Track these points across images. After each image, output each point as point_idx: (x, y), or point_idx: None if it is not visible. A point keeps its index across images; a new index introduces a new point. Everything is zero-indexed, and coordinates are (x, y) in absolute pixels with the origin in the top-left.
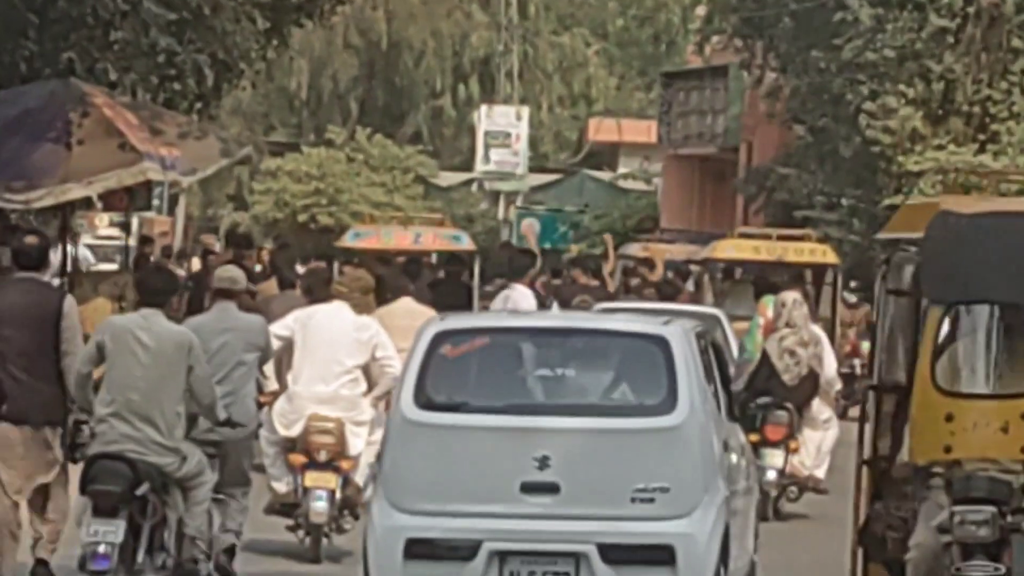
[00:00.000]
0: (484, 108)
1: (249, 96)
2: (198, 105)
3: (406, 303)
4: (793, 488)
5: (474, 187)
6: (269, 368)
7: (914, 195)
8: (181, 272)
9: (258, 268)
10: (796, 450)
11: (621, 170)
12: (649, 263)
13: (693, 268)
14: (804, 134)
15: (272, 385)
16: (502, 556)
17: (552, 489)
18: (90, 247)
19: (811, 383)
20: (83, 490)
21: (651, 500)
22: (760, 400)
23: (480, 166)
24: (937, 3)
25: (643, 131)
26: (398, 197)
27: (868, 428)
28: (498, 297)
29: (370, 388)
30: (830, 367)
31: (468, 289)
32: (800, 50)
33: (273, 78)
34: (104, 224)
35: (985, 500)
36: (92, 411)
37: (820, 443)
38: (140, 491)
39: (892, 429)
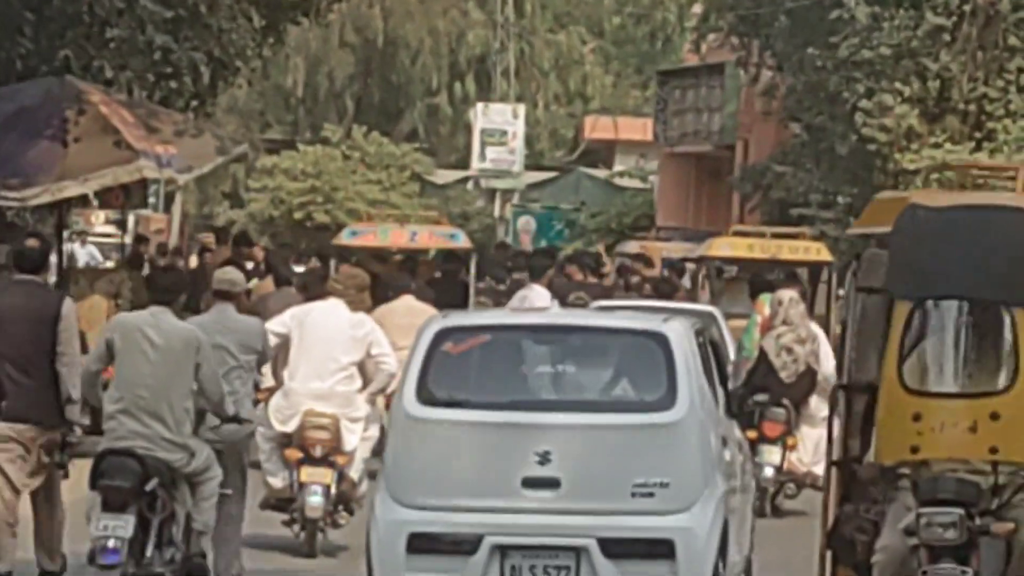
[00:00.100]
0: (480, 106)
1: (245, 94)
2: (194, 103)
3: (407, 301)
4: (791, 484)
5: (470, 185)
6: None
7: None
8: None
9: (249, 265)
10: (794, 447)
11: (617, 168)
12: (644, 259)
13: (688, 266)
14: (800, 132)
15: (268, 381)
16: (504, 550)
17: (553, 484)
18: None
19: (808, 380)
20: (93, 485)
21: (651, 495)
22: (758, 397)
23: (476, 164)
24: (933, 1)
25: (639, 129)
26: (394, 195)
27: (837, 428)
28: (515, 297)
29: (365, 385)
30: (827, 364)
31: (465, 287)
32: (796, 48)
33: (269, 76)
34: (100, 222)
35: (953, 502)
36: (101, 408)
37: (818, 440)
38: (149, 486)
39: (863, 430)
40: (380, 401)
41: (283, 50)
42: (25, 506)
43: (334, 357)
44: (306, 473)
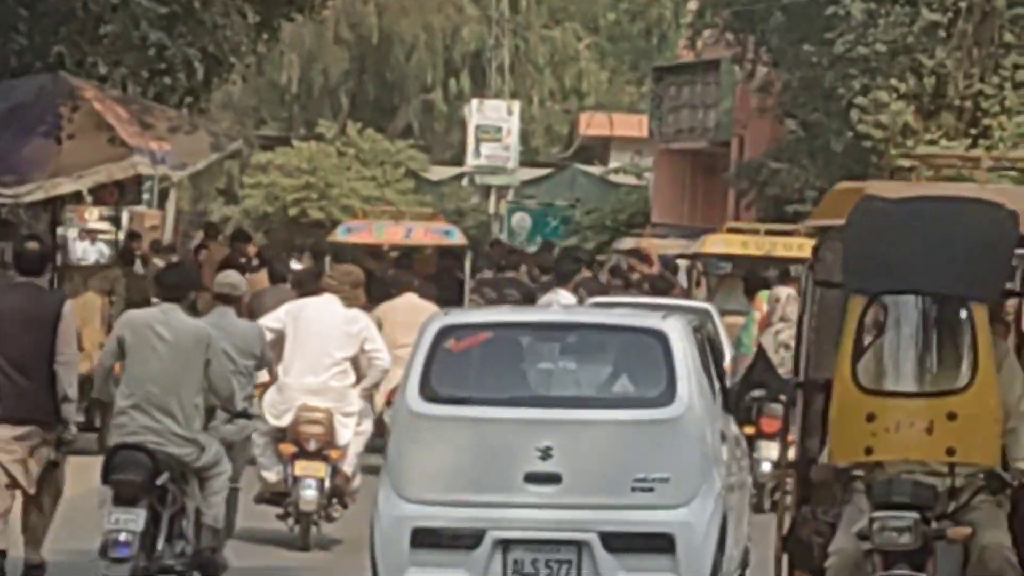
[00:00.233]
0: (475, 102)
1: (239, 90)
2: (188, 99)
3: (410, 298)
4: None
5: (465, 181)
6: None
7: None
8: None
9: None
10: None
11: (612, 164)
12: (639, 255)
13: (681, 263)
14: (796, 128)
15: (263, 377)
16: (506, 544)
17: (555, 479)
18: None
19: None
20: (105, 480)
21: (651, 489)
22: (755, 393)
23: (471, 160)
24: None
25: (634, 125)
26: (389, 191)
27: (795, 428)
28: (540, 301)
29: (358, 380)
30: None
31: (461, 283)
32: (792, 44)
33: (263, 72)
34: (94, 218)
35: (907, 505)
36: (113, 404)
37: None
38: (160, 481)
39: (822, 430)
40: (381, 398)
41: (277, 46)
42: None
43: (328, 352)
44: (300, 467)
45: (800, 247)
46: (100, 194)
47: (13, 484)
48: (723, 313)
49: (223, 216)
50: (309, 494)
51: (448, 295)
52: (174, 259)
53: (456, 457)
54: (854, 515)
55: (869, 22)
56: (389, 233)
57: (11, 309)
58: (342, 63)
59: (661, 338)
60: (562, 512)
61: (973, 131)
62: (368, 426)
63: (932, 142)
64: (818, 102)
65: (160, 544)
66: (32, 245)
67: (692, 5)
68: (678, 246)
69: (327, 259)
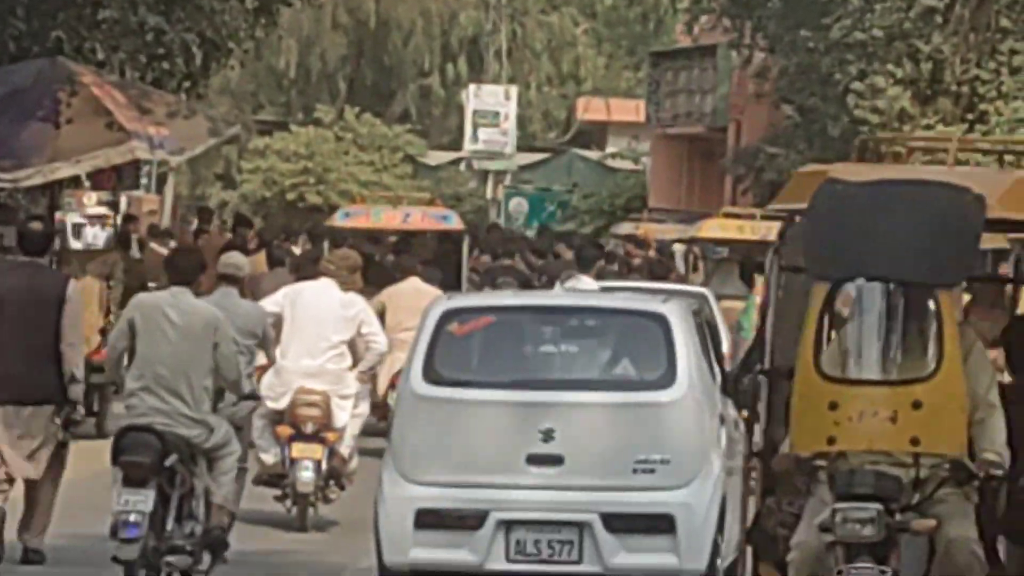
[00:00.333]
0: (472, 87)
1: (237, 75)
2: (186, 84)
3: (414, 283)
4: None
5: (462, 166)
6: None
7: None
8: (164, 251)
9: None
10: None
11: (609, 149)
12: (636, 240)
13: (678, 247)
14: (792, 114)
15: (260, 359)
16: (508, 525)
17: (557, 461)
18: (75, 226)
19: None
20: (114, 461)
21: (652, 471)
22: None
23: (468, 145)
24: None
25: (631, 110)
26: (386, 176)
27: (760, 417)
28: (563, 286)
29: (355, 363)
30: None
31: (459, 268)
32: (789, 30)
33: (261, 57)
34: (92, 203)
35: (870, 496)
36: (123, 386)
37: None
38: (168, 462)
39: (787, 418)
40: (384, 381)
41: (275, 31)
42: (17, 486)
43: (325, 336)
44: (297, 449)
45: None
46: (98, 179)
47: (17, 464)
48: (719, 297)
49: (221, 201)
50: (306, 476)
51: (446, 280)
52: (172, 244)
53: (459, 439)
54: (817, 507)
55: (866, 7)
56: (387, 218)
57: (15, 288)
58: (340, 48)
59: (662, 321)
60: (564, 493)
61: (970, 116)
62: (364, 408)
63: (929, 127)
64: (815, 87)
65: (170, 524)
66: (35, 225)
67: None
68: (675, 231)
69: (325, 243)
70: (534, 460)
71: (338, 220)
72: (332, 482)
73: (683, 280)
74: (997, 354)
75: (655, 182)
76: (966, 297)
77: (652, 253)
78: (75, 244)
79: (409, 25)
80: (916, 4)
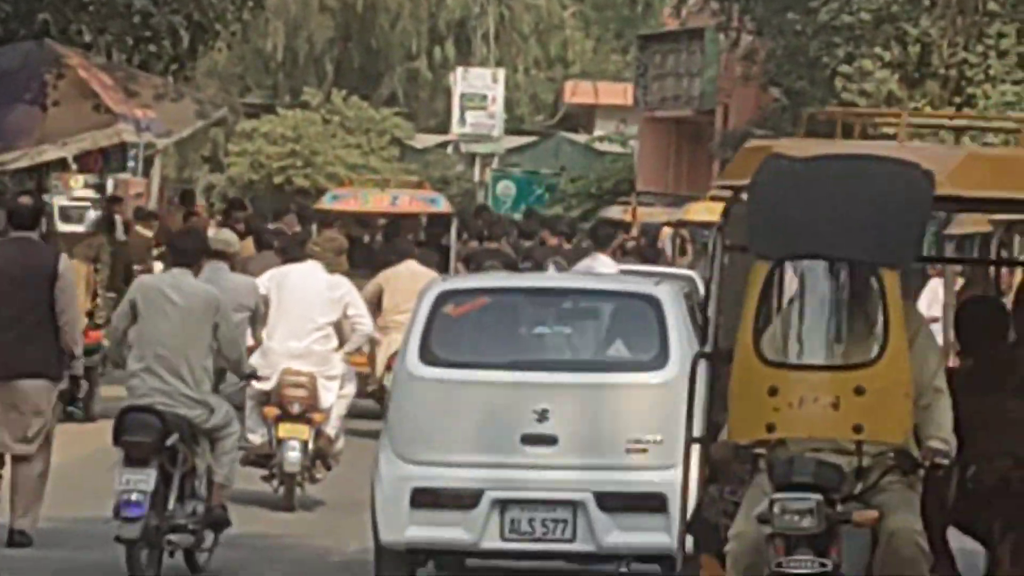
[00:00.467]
0: (460, 70)
1: (225, 58)
2: (173, 67)
3: (410, 266)
4: None
5: (450, 149)
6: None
7: None
8: (149, 234)
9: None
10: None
11: (597, 133)
12: (625, 226)
13: (666, 230)
14: (780, 97)
15: (248, 341)
16: (503, 504)
17: (551, 441)
18: (63, 209)
19: None
20: (116, 441)
21: (644, 451)
22: None
23: (456, 128)
24: None
25: (619, 94)
26: (374, 159)
27: (701, 401)
28: (579, 265)
29: (341, 344)
30: None
31: (447, 251)
32: (776, 13)
33: (249, 40)
34: (79, 186)
35: (810, 486)
36: (125, 366)
37: None
38: (170, 441)
39: (729, 404)
40: (382, 363)
41: (262, 14)
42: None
43: (311, 317)
44: (284, 429)
45: None
46: (85, 161)
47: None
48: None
49: (208, 184)
50: (293, 456)
51: (435, 262)
52: (157, 225)
53: (455, 419)
54: (756, 496)
55: None
56: (375, 201)
57: (7, 262)
58: (327, 31)
59: (654, 303)
60: (558, 473)
61: (957, 99)
62: (351, 389)
63: (916, 110)
64: (803, 70)
65: (171, 503)
66: (25, 199)
67: None
68: (663, 214)
69: (314, 226)
70: (529, 440)
71: (326, 203)
72: (318, 462)
73: (671, 263)
74: None
75: (643, 165)
76: (959, 281)
77: (634, 234)
78: (63, 227)
79: (396, 8)
80: None
